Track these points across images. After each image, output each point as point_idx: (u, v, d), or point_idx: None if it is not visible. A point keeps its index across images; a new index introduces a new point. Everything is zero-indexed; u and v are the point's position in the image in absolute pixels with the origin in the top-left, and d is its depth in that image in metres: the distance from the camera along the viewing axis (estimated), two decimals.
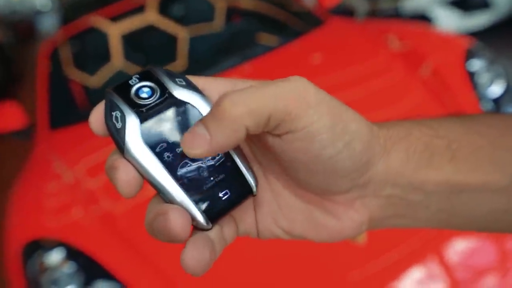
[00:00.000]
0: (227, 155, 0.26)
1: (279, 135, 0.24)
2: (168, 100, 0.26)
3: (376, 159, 0.26)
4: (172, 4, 2.05)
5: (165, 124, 0.25)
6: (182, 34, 1.81)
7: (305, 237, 0.29)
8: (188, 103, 0.26)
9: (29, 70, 4.67)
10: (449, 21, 3.19)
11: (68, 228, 1.19)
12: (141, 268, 1.03)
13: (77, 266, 1.06)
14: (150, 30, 1.86)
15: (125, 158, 0.25)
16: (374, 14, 3.61)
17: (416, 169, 0.27)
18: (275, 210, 0.29)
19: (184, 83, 0.27)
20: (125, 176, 0.24)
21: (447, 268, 0.96)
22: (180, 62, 1.74)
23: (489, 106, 1.31)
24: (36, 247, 1.12)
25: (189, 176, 0.25)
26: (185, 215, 0.24)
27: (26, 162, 1.55)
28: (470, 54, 1.45)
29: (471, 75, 1.37)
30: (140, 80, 0.26)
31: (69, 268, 1.06)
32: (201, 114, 0.26)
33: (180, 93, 0.26)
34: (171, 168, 0.25)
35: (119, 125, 0.25)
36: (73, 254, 1.09)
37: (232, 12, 1.98)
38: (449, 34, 1.84)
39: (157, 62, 1.68)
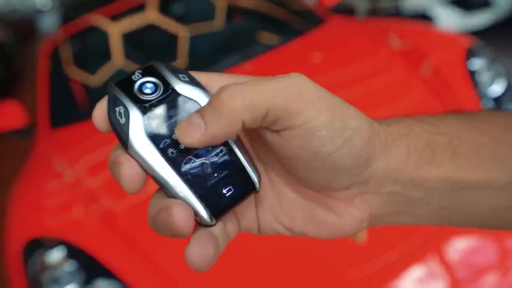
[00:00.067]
0: (231, 152, 0.26)
1: (277, 132, 0.24)
2: (171, 96, 0.26)
3: (377, 156, 0.26)
4: (173, 3, 2.05)
5: (169, 120, 0.25)
6: (183, 33, 1.81)
7: (306, 234, 0.29)
8: (192, 99, 0.26)
9: (29, 69, 4.67)
10: (449, 20, 3.18)
11: (68, 226, 1.19)
12: (142, 267, 1.03)
13: (78, 264, 1.07)
14: (150, 29, 1.85)
15: (128, 153, 0.25)
16: (374, 12, 3.60)
17: (417, 165, 0.27)
18: (276, 206, 0.29)
19: (187, 78, 0.27)
20: (129, 172, 0.24)
21: (448, 267, 0.96)
22: (181, 61, 1.73)
23: (489, 105, 1.31)
24: (36, 246, 1.12)
25: (193, 172, 0.25)
26: (189, 210, 0.24)
27: (27, 161, 1.55)
28: (470, 53, 1.45)
29: (472, 74, 1.37)
30: (143, 75, 0.26)
31: (69, 266, 1.07)
32: None
33: (184, 89, 0.26)
34: (175, 164, 0.25)
35: (122, 121, 0.25)
36: (73, 252, 1.09)
37: (232, 11, 1.98)
38: (449, 33, 1.84)
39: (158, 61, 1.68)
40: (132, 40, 1.88)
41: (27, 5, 9.34)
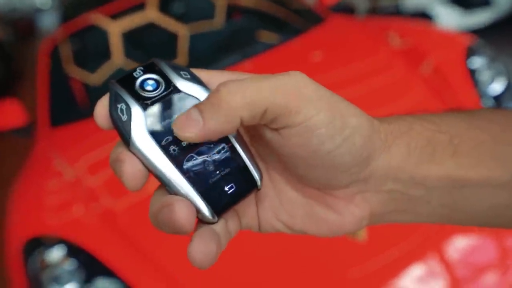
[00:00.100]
0: (233, 149, 0.26)
1: (277, 130, 0.24)
2: (173, 93, 0.26)
3: (377, 154, 0.26)
4: (173, 2, 2.05)
5: (171, 117, 0.25)
6: (183, 31, 1.81)
7: (306, 232, 0.29)
8: (193, 96, 0.26)
9: (29, 68, 4.66)
10: (450, 18, 3.18)
11: (68, 225, 1.19)
12: (142, 265, 1.04)
13: (78, 263, 1.07)
14: (150, 27, 1.85)
15: (130, 151, 0.25)
16: (374, 11, 3.60)
17: (418, 164, 0.27)
18: (276, 204, 0.29)
19: (188, 76, 0.27)
20: (131, 169, 0.24)
21: (448, 266, 0.96)
22: (181, 59, 1.73)
23: (490, 103, 1.31)
24: (36, 244, 1.12)
25: (195, 170, 0.25)
26: (190, 207, 0.24)
27: (27, 159, 1.55)
28: (471, 52, 1.45)
29: (472, 73, 1.37)
30: (145, 72, 0.26)
31: (70, 265, 1.07)
32: None
33: (185, 86, 0.26)
34: (177, 161, 0.25)
35: (124, 118, 0.25)
36: (73, 251, 1.09)
37: (232, 10, 1.98)
38: (450, 31, 1.84)
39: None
40: (132, 39, 1.88)
41: (27, 4, 9.33)
